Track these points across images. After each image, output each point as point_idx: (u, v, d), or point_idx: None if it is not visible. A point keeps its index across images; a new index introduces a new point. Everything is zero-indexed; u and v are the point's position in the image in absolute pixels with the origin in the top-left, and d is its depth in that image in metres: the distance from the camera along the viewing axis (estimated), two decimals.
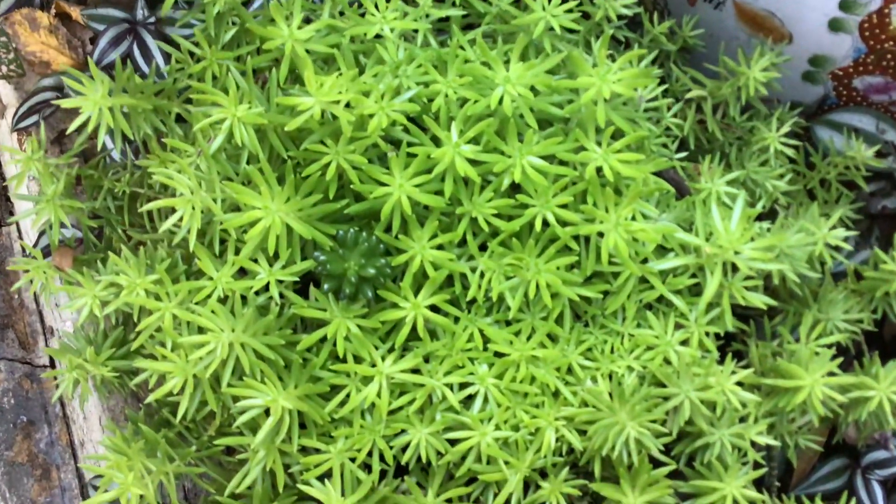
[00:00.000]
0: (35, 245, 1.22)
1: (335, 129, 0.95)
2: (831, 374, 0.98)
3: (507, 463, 0.96)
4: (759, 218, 1.09)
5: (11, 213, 1.40)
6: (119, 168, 1.15)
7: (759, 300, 0.99)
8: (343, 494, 0.95)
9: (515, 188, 0.97)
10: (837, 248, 1.09)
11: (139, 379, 1.00)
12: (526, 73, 0.95)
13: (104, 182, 1.14)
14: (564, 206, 0.97)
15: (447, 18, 1.09)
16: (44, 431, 1.31)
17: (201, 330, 0.94)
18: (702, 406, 0.95)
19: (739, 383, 0.96)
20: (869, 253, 1.21)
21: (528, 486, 0.99)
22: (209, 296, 0.96)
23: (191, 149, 1.00)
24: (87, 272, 1.02)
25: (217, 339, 0.92)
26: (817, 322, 1.08)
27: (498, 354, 0.99)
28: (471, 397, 0.98)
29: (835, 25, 1.15)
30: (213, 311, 0.93)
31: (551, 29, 1.02)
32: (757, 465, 1.02)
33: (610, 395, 0.96)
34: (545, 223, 0.97)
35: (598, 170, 0.95)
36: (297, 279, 0.97)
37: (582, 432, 0.97)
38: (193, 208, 0.95)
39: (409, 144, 0.96)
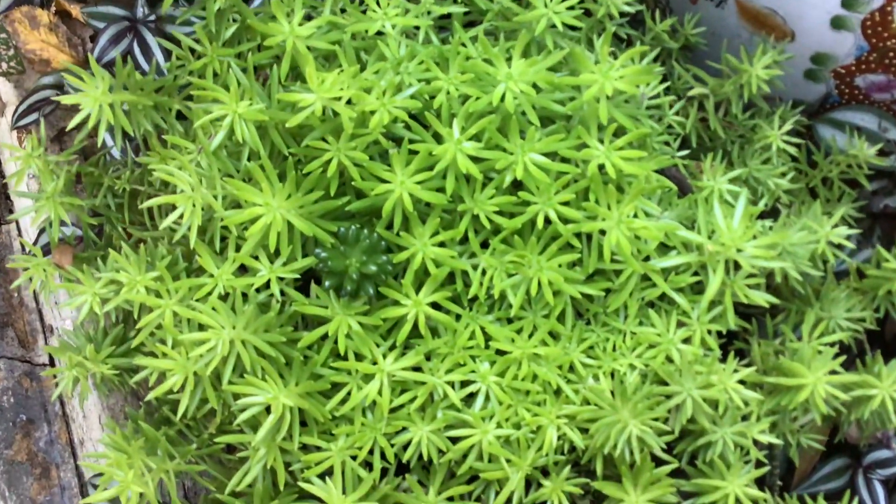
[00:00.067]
0: (35, 243, 1.22)
1: (336, 125, 0.95)
2: (833, 372, 0.98)
3: (508, 461, 0.96)
4: (762, 216, 1.09)
5: (11, 212, 1.39)
6: (119, 165, 1.15)
7: (762, 298, 0.99)
8: (344, 492, 0.95)
9: (517, 185, 0.97)
10: (840, 247, 1.09)
11: (139, 377, 1.00)
12: (528, 70, 0.95)
13: (104, 179, 1.13)
14: (566, 204, 0.96)
15: (449, 15, 1.09)
16: (43, 430, 1.31)
17: (202, 327, 0.93)
18: (704, 404, 0.95)
19: (742, 381, 0.96)
20: (871, 252, 1.21)
21: (529, 484, 0.99)
22: (210, 293, 0.95)
23: (191, 146, 1.00)
24: (87, 269, 1.01)
25: (218, 337, 0.91)
26: (819, 320, 1.08)
27: (499, 352, 0.99)
28: (472, 395, 0.98)
29: (837, 23, 1.15)
30: (213, 309, 0.93)
31: (553, 26, 1.02)
32: (759, 464, 1.01)
33: (612, 393, 0.96)
34: (547, 220, 0.96)
35: (601, 167, 0.95)
36: (298, 276, 0.96)
37: (584, 430, 0.97)
38: (194, 205, 0.95)
39: (411, 141, 0.96)
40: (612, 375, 0.99)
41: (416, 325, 0.97)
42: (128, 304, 1.00)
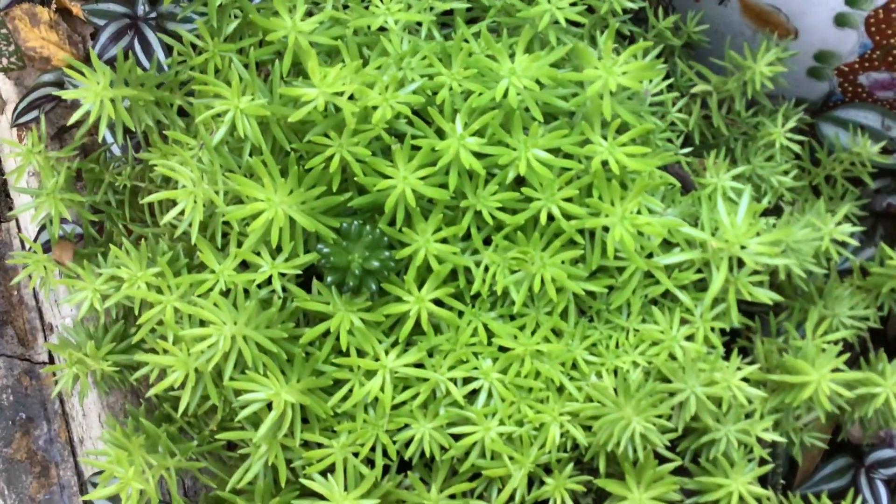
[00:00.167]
0: (35, 240, 1.21)
1: (339, 121, 0.94)
2: (837, 370, 0.98)
3: (511, 458, 0.95)
4: (765, 214, 1.08)
5: (11, 210, 1.39)
6: (120, 162, 1.14)
7: (766, 295, 0.99)
8: (346, 489, 0.94)
9: (520, 181, 0.97)
10: (843, 245, 1.08)
11: (140, 374, 1.00)
12: (531, 66, 0.95)
13: (105, 176, 1.13)
14: (569, 200, 0.96)
15: (451, 11, 1.09)
16: (43, 428, 1.30)
17: (203, 323, 0.93)
18: (708, 402, 0.95)
19: (745, 379, 0.96)
20: (873, 251, 1.20)
21: (532, 482, 0.99)
22: (211, 289, 0.95)
23: (192, 141, 1.00)
24: (88, 266, 1.01)
25: (219, 332, 0.91)
26: (823, 318, 1.08)
27: (502, 349, 0.98)
28: (475, 392, 0.97)
29: (841, 20, 1.14)
30: (215, 304, 0.92)
31: (556, 22, 1.02)
32: (762, 462, 1.01)
33: (615, 390, 0.95)
34: (550, 217, 0.96)
35: (604, 163, 0.95)
36: (300, 272, 0.96)
37: (587, 428, 0.96)
38: (195, 200, 0.95)
39: (414, 137, 0.95)
40: (616, 373, 0.99)
41: (418, 322, 0.96)
42: (128, 301, 1.00)
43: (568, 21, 1.02)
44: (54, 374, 1.28)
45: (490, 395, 0.97)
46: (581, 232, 0.97)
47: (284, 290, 0.96)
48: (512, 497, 0.97)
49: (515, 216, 0.97)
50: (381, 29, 1.03)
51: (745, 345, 1.10)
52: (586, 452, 0.98)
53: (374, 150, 0.96)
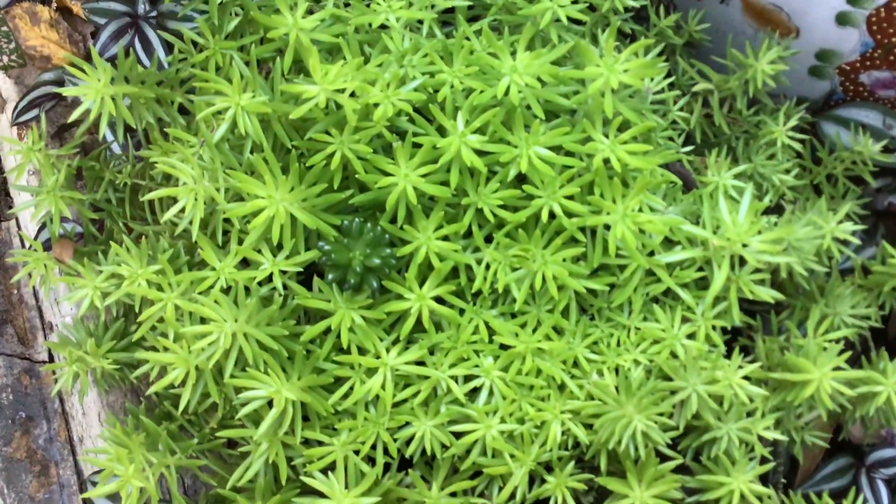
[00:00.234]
0: (35, 239, 1.21)
1: (340, 118, 0.94)
2: (839, 369, 0.97)
3: (512, 456, 0.95)
4: (765, 213, 1.08)
5: (11, 209, 1.39)
6: (120, 160, 1.14)
7: (767, 294, 0.98)
8: (346, 487, 0.94)
9: (522, 179, 0.97)
10: (845, 243, 1.08)
11: (140, 371, 0.99)
12: (533, 63, 0.95)
13: (105, 173, 1.13)
14: (571, 198, 0.96)
15: (452, 9, 1.09)
16: (42, 427, 1.30)
17: (204, 321, 0.93)
18: (709, 400, 0.94)
19: (747, 377, 0.96)
20: (875, 250, 1.20)
21: (533, 480, 0.99)
22: (212, 286, 0.95)
23: (193, 139, 1.00)
24: (88, 263, 1.01)
25: (220, 330, 0.91)
26: (825, 317, 1.07)
27: (503, 347, 0.98)
28: (476, 390, 0.97)
29: (842, 19, 1.14)
30: (216, 302, 0.92)
31: (558, 20, 1.02)
32: (763, 461, 1.01)
33: (616, 388, 0.95)
34: (551, 214, 0.96)
35: (606, 161, 0.95)
36: (301, 270, 0.96)
37: (588, 426, 0.96)
38: (196, 198, 0.95)
39: (415, 134, 0.95)
40: (617, 371, 0.98)
41: (419, 320, 0.96)
42: (129, 299, 1.00)
43: (569, 19, 1.02)
44: (54, 373, 1.28)
45: (491, 392, 0.97)
46: (582, 230, 0.97)
47: (285, 287, 0.96)
48: (513, 495, 0.96)
49: (517, 214, 0.97)
50: (383, 27, 1.03)
51: (746, 343, 1.10)
52: (587, 451, 0.98)
53: (376, 148, 0.96)
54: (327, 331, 0.96)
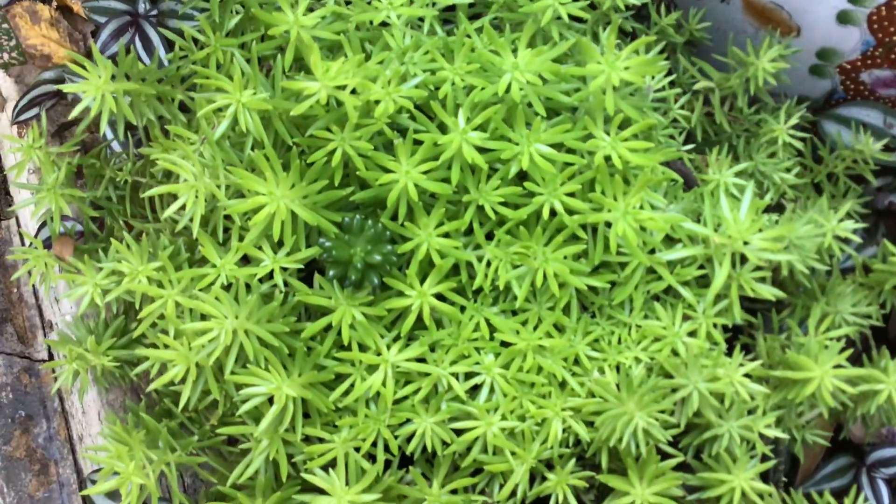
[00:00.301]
0: (35, 237, 1.21)
1: (341, 115, 0.94)
2: (840, 366, 0.97)
3: (513, 454, 0.95)
4: (766, 211, 1.08)
5: (11, 208, 1.39)
6: (120, 158, 1.14)
7: (768, 292, 0.98)
8: (347, 484, 0.94)
9: (523, 176, 0.97)
10: (846, 241, 1.08)
11: (140, 369, 0.99)
12: (534, 60, 0.95)
13: (106, 171, 1.13)
14: (572, 195, 0.96)
15: (453, 7, 1.08)
16: (42, 426, 1.30)
17: (204, 317, 0.92)
18: (710, 397, 0.94)
19: (748, 375, 0.96)
20: (875, 249, 1.20)
21: (533, 477, 0.99)
22: (212, 283, 0.95)
23: (194, 136, 0.99)
24: (89, 261, 1.01)
25: (220, 326, 0.91)
26: (826, 315, 1.07)
27: (504, 344, 0.98)
28: (477, 387, 0.97)
29: (843, 18, 1.14)
30: (216, 298, 0.92)
31: (559, 18, 1.02)
32: (764, 459, 1.01)
33: (617, 385, 0.95)
34: (552, 212, 0.96)
35: (607, 158, 0.95)
36: (302, 267, 0.96)
37: (589, 424, 0.96)
38: (197, 194, 0.95)
39: (416, 132, 0.95)
40: (618, 368, 0.98)
41: (420, 317, 0.96)
42: (129, 296, 1.00)
43: (570, 17, 1.02)
44: (53, 371, 1.28)
45: (492, 390, 0.97)
46: (583, 227, 0.97)
47: (286, 284, 0.96)
48: (514, 493, 0.96)
49: (518, 211, 0.96)
50: (384, 24, 1.03)
51: (747, 342, 1.10)
52: (588, 448, 0.97)
53: (377, 145, 0.96)
54: (328, 327, 0.96)
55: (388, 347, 0.97)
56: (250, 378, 0.92)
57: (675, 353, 0.99)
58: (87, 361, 1.03)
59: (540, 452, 0.96)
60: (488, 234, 0.99)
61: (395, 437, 0.96)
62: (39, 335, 1.34)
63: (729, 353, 0.98)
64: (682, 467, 0.98)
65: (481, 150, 0.94)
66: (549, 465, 0.99)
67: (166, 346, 0.94)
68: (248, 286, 0.95)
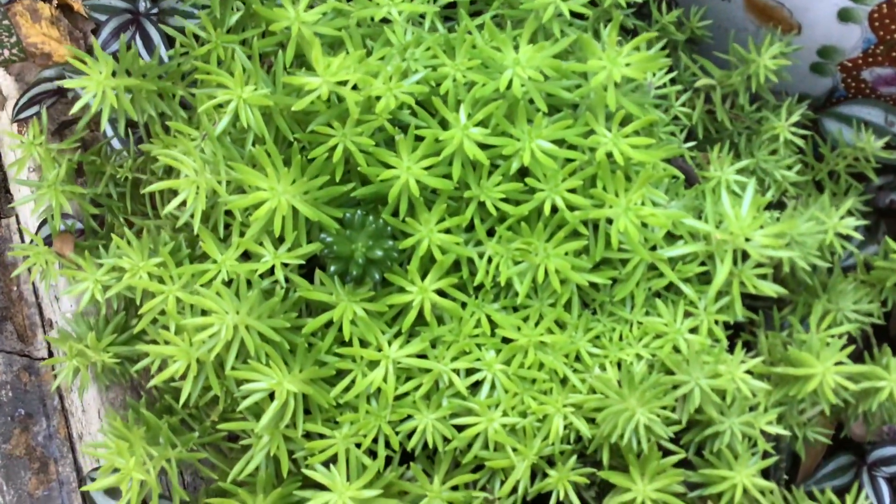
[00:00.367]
0: (35, 234, 1.21)
1: (342, 111, 0.94)
2: (841, 363, 0.97)
3: (514, 450, 0.95)
4: (767, 208, 1.08)
5: (12, 207, 1.39)
6: (121, 155, 1.14)
7: (770, 288, 0.98)
8: (348, 480, 0.94)
9: (524, 172, 0.96)
10: (847, 238, 1.08)
11: (141, 365, 0.99)
12: (536, 56, 0.94)
13: (106, 168, 1.13)
14: (573, 191, 0.95)
15: (454, 4, 1.08)
16: (42, 424, 1.29)
17: (205, 313, 0.92)
18: (712, 394, 0.94)
19: (749, 372, 0.95)
20: (876, 248, 1.20)
21: (535, 474, 0.98)
22: (213, 279, 0.94)
23: (195, 132, 0.99)
24: (89, 257, 1.01)
25: (221, 321, 0.90)
26: (827, 312, 1.07)
27: (505, 340, 0.98)
28: (478, 383, 0.97)
29: (844, 15, 1.14)
30: (217, 294, 0.92)
31: (560, 14, 1.01)
32: (766, 455, 1.01)
33: (619, 382, 0.95)
34: (554, 208, 0.96)
35: (609, 154, 0.94)
36: (303, 263, 0.96)
37: (590, 420, 0.96)
38: (198, 190, 0.94)
39: (417, 128, 0.95)
40: (619, 365, 0.98)
41: (421, 313, 0.96)
42: (129, 292, 1.00)
43: (572, 14, 1.02)
44: (53, 368, 1.28)
45: (493, 386, 0.97)
46: (585, 223, 0.97)
47: (287, 280, 0.95)
48: (515, 489, 0.96)
49: (519, 207, 0.96)
50: (385, 20, 1.03)
51: (748, 339, 1.10)
52: (589, 445, 0.97)
53: (378, 141, 0.96)
54: (329, 323, 0.96)
55: (389, 343, 0.96)
56: (251, 373, 0.91)
57: (676, 349, 0.98)
58: (87, 358, 1.03)
59: (541, 449, 0.96)
60: (489, 231, 0.99)
61: (396, 434, 0.96)
62: (39, 333, 1.33)
63: (730, 351, 0.98)
64: (683, 464, 0.97)
65: (483, 146, 0.94)
66: (551, 462, 0.98)
67: (167, 342, 0.94)
68: (248, 282, 0.95)
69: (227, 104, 0.94)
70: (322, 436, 0.96)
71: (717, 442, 0.98)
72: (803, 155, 1.22)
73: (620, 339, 1.00)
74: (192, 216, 0.95)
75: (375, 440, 0.96)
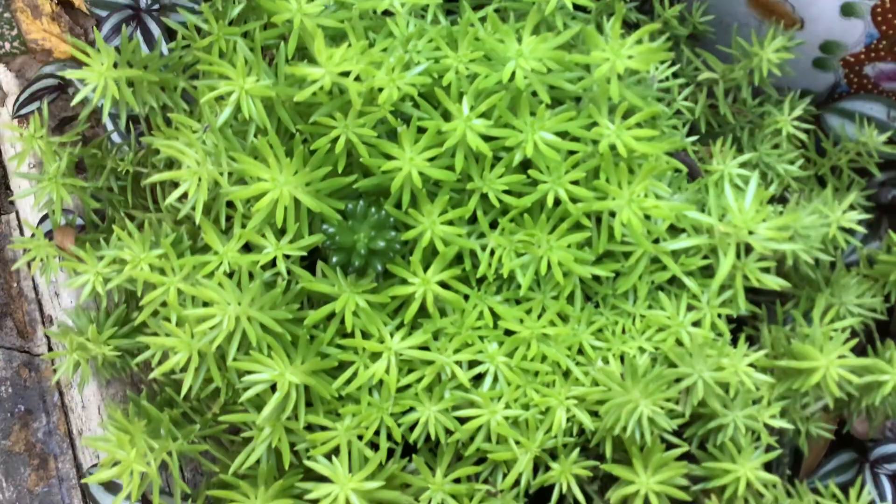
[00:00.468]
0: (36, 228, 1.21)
1: (344, 102, 0.94)
2: (844, 357, 0.97)
3: (517, 442, 0.94)
4: (770, 202, 1.08)
5: (11, 203, 1.38)
6: (122, 148, 1.14)
7: (773, 281, 0.98)
8: (350, 472, 0.93)
9: (527, 164, 0.96)
10: (850, 232, 1.08)
11: (142, 357, 0.99)
12: (539, 47, 0.94)
13: (107, 161, 1.12)
14: (576, 183, 0.95)
15: None
16: (41, 420, 1.29)
17: (207, 305, 0.92)
18: (715, 387, 0.94)
19: (752, 365, 0.95)
20: (878, 244, 1.20)
21: (537, 466, 0.98)
22: (215, 270, 0.94)
23: (196, 125, 0.99)
24: (90, 249, 1.00)
25: (223, 312, 0.90)
26: (830, 306, 1.07)
27: (508, 332, 0.98)
28: (480, 375, 0.97)
29: (847, 10, 1.14)
30: (219, 285, 0.91)
31: (563, 7, 1.01)
32: (769, 449, 1.00)
33: (622, 375, 0.95)
34: (557, 200, 0.95)
35: (612, 146, 0.94)
36: (305, 254, 0.95)
37: (593, 413, 0.96)
38: (200, 181, 0.94)
39: (420, 119, 0.95)
40: (622, 358, 0.98)
41: (423, 304, 0.96)
42: (130, 285, 0.99)
43: (574, 6, 1.02)
44: (53, 363, 1.27)
45: (496, 378, 0.96)
46: (588, 215, 0.97)
47: (289, 271, 0.95)
48: (517, 482, 0.96)
49: (522, 199, 0.96)
50: (387, 13, 1.02)
51: (751, 333, 1.10)
52: (592, 437, 0.97)
53: (380, 132, 0.96)
54: (331, 315, 0.95)
55: (392, 335, 0.96)
56: (253, 365, 0.91)
57: (679, 342, 0.98)
58: (87, 351, 1.02)
59: (544, 441, 0.95)
60: (492, 223, 0.99)
61: (399, 426, 0.96)
62: (39, 329, 1.33)
63: (733, 344, 0.98)
64: (686, 457, 0.97)
65: (485, 137, 0.94)
66: (553, 455, 0.98)
67: (168, 334, 0.93)
68: (250, 274, 0.94)
69: (229, 95, 0.93)
70: (324, 428, 0.95)
71: (720, 435, 0.98)
72: (806, 150, 1.22)
73: (623, 332, 1.00)
74: (193, 208, 0.95)
75: (377, 432, 0.95)
